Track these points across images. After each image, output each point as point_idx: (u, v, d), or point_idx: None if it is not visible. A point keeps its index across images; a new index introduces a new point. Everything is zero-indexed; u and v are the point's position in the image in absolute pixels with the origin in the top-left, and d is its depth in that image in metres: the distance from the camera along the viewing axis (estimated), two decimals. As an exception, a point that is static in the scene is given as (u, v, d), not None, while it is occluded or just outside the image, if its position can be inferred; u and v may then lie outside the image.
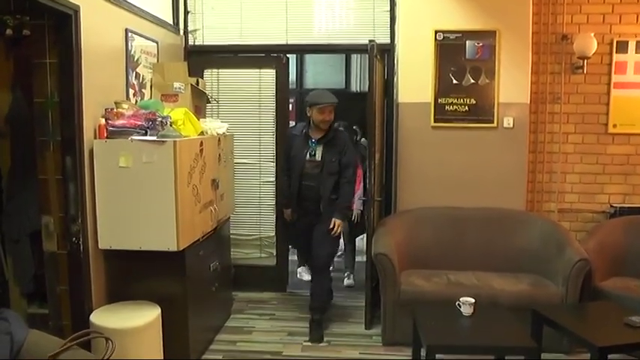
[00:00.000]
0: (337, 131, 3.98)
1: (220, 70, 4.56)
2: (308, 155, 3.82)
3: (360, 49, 4.41)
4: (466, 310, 3.00)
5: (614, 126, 4.31)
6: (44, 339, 2.04)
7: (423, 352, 2.82)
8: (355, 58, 9.14)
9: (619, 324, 2.85)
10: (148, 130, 2.99)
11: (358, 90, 9.82)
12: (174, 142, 2.91)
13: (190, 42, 4.47)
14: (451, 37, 4.17)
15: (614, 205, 4.29)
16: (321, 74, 9.24)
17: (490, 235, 3.95)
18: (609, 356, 2.70)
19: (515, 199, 4.18)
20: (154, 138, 2.94)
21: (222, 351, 3.60)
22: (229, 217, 4.13)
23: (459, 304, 3.03)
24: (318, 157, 3.81)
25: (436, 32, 4.16)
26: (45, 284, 3.72)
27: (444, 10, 4.15)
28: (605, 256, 3.67)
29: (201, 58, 4.48)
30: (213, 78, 4.54)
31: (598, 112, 4.31)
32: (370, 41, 3.86)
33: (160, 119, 3.06)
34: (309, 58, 8.65)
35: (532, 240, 3.86)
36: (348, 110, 7.17)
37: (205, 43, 4.49)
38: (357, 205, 4.61)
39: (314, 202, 3.82)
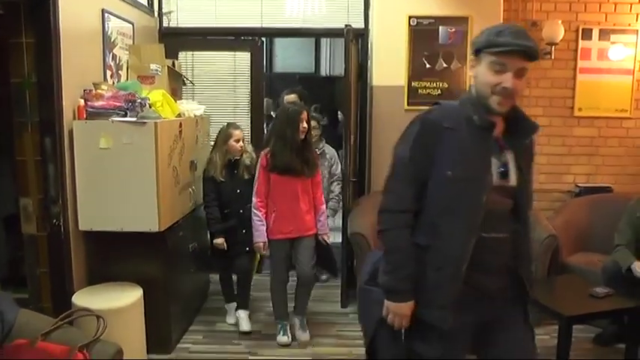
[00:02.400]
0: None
1: (195, 53, 4.54)
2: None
3: (335, 33, 4.44)
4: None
5: (580, 109, 4.50)
6: (35, 318, 2.05)
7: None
8: (325, 42, 9.16)
9: (584, 295, 3.04)
10: (128, 112, 2.98)
11: (328, 74, 9.87)
12: (155, 123, 2.92)
13: (165, 24, 4.43)
14: (424, 23, 4.25)
15: (579, 184, 4.50)
16: (290, 58, 9.25)
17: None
18: (574, 327, 2.88)
19: None
20: (134, 119, 2.94)
21: (202, 331, 3.65)
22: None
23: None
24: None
25: (410, 18, 4.23)
26: (20, 269, 3.71)
27: (417, -4, 4.23)
28: (571, 233, 3.86)
29: (175, 40, 4.43)
30: (188, 60, 4.52)
31: (565, 96, 4.49)
32: (346, 26, 3.91)
33: (139, 101, 3.05)
34: (278, 42, 8.64)
35: (502, 219, 4.02)
36: (318, 94, 7.24)
37: (180, 26, 4.45)
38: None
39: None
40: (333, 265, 3.74)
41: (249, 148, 3.73)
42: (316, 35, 6.02)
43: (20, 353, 1.84)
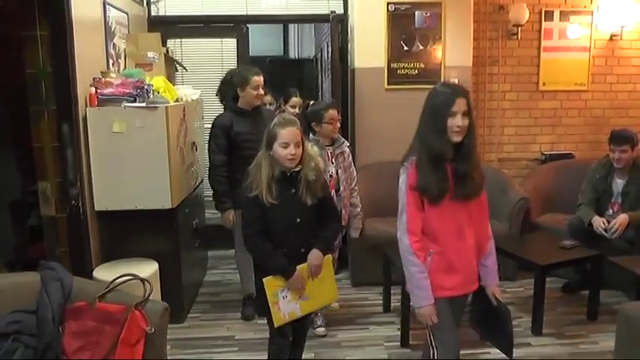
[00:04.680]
0: None
1: (183, 40, 4.72)
2: None
3: (320, 19, 4.68)
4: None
5: (544, 84, 4.92)
6: (88, 284, 2.27)
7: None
8: (292, 25, 9.34)
9: (554, 248, 3.46)
10: (137, 98, 3.17)
11: (296, 57, 10.08)
12: (166, 107, 3.14)
13: (153, 12, 4.58)
14: (401, 8, 4.52)
15: (545, 152, 4.94)
16: (259, 42, 9.39)
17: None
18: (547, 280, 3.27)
19: None
20: (144, 105, 3.14)
21: (208, 302, 3.91)
22: (202, 179, 4.36)
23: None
24: None
25: (388, 4, 4.49)
26: (25, 253, 3.87)
27: (395, -16, 4.49)
28: (539, 196, 4.28)
29: (163, 28, 4.58)
30: (177, 48, 4.70)
31: (530, 73, 4.90)
32: (332, 12, 4.17)
33: (146, 87, 3.25)
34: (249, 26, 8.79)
35: (478, 186, 4.40)
36: (287, 76, 7.44)
37: (168, 14, 4.61)
38: None
39: None
40: (506, 339, 2.31)
41: (314, 150, 2.46)
42: (301, 21, 6.22)
43: (82, 313, 2.07)
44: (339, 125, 3.37)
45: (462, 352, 3.11)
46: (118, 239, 3.31)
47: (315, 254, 2.40)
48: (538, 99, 4.94)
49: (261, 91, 3.38)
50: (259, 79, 3.34)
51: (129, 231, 3.30)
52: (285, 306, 2.38)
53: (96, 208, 3.20)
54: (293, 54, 10.48)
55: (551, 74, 4.89)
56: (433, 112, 2.04)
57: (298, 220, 2.36)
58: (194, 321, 3.58)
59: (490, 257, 2.22)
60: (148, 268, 3.15)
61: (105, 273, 3.03)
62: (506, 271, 3.91)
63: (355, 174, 3.56)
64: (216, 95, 3.59)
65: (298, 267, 2.37)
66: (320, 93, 7.20)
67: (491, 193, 4.14)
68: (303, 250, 2.40)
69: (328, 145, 3.31)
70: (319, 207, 2.41)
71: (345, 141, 3.46)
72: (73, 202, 3.05)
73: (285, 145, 2.29)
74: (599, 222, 3.60)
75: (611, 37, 4.89)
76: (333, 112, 3.25)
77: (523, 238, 3.93)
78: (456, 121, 1.98)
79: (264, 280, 2.35)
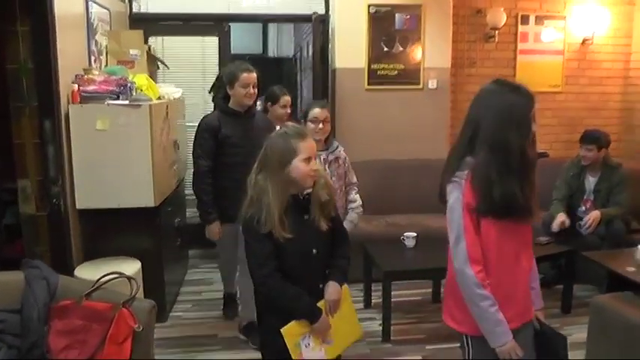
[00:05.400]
0: None
1: (165, 38, 4.69)
2: None
3: (302, 19, 4.71)
4: (410, 243, 3.54)
5: (520, 86, 5.04)
6: (73, 282, 2.26)
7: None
8: (272, 24, 9.36)
9: (531, 244, 3.55)
10: (120, 95, 3.16)
11: (275, 55, 10.10)
12: (150, 105, 3.13)
13: (135, 9, 4.54)
14: (382, 10, 4.61)
15: (520, 152, 5.06)
16: (239, 40, 9.38)
17: (419, 182, 4.43)
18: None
19: (440, 150, 4.66)
20: (128, 102, 3.12)
21: (190, 301, 3.91)
22: (184, 178, 4.35)
23: (403, 239, 3.57)
24: None
25: (369, 5, 4.58)
26: (1, 253, 3.79)
27: (375, -13, 4.56)
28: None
29: (144, 25, 4.53)
30: (158, 45, 4.66)
31: (507, 75, 5.01)
32: (314, 13, 4.20)
33: (129, 85, 3.24)
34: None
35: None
36: (266, 75, 7.47)
37: (149, 11, 4.59)
38: None
39: None
40: None
41: (319, 166, 2.14)
42: (283, 21, 6.24)
43: (69, 311, 2.06)
44: (328, 128, 3.08)
45: (434, 346, 3.22)
46: (99, 238, 3.28)
47: (333, 288, 2.03)
48: (514, 100, 5.06)
49: (252, 90, 3.03)
50: (249, 75, 3.01)
51: (111, 229, 3.28)
52: (309, 355, 1.98)
53: (77, 207, 3.16)
54: (272, 53, 10.51)
55: (527, 76, 5.01)
56: (515, 115, 1.69)
57: (315, 250, 1.99)
58: (176, 320, 3.58)
59: (536, 278, 1.95)
60: (131, 267, 3.13)
61: (87, 272, 3.02)
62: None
63: (355, 179, 3.28)
64: (210, 93, 3.43)
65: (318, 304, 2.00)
66: (299, 92, 7.24)
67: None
68: (321, 286, 2.03)
69: (321, 151, 3.01)
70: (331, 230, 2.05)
71: (340, 146, 3.21)
72: (54, 200, 3.02)
73: (308, 160, 1.93)
74: (556, 223, 3.75)
75: (584, 42, 5.07)
76: (318, 110, 3.03)
77: (500, 236, 4.01)
78: (535, 127, 1.72)
79: (282, 331, 1.92)
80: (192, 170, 3.16)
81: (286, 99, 3.61)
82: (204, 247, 4.77)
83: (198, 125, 3.11)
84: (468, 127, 1.76)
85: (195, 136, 3.10)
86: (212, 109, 4.69)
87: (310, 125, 2.99)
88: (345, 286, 2.10)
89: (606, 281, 3.28)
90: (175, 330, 3.43)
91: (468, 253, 1.72)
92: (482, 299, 1.72)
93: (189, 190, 4.75)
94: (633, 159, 4.91)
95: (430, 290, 3.84)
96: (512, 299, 1.78)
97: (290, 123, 2.11)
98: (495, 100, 1.73)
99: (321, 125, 3.00)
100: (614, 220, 3.75)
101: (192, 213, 4.88)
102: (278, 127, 2.34)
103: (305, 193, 1.98)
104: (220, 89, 3.17)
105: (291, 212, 1.92)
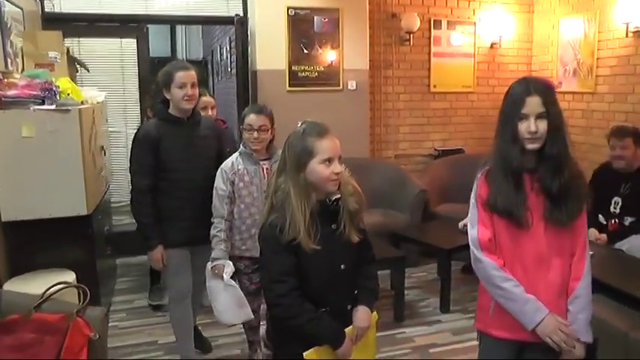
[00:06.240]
0: None
1: (81, 39, 4.50)
2: None
3: (223, 21, 4.71)
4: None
5: (434, 86, 5.41)
6: (19, 296, 2.14)
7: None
8: (180, 27, 9.22)
9: (456, 233, 3.81)
10: (45, 100, 3.01)
11: (184, 58, 9.97)
12: (79, 110, 3.01)
13: (47, 9, 4.31)
14: (301, 13, 4.72)
15: (437, 148, 5.43)
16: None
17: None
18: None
19: (361, 149, 4.95)
20: (55, 107, 2.99)
21: (123, 310, 3.81)
22: (109, 185, 4.21)
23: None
24: None
25: (288, 8, 4.67)
26: None
27: (294, -11, 4.66)
28: (435, 188, 4.70)
29: (59, 25, 4.32)
30: (74, 47, 4.47)
31: (422, 76, 5.35)
32: (236, 15, 4.23)
33: (54, 88, 3.10)
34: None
35: (379, 181, 4.66)
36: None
37: (63, 11, 4.37)
38: None
39: None
40: None
41: (342, 169, 1.81)
42: (203, 23, 6.15)
43: (17, 326, 1.96)
44: (267, 136, 2.60)
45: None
46: (28, 250, 3.08)
47: (363, 314, 1.83)
48: (430, 100, 5.42)
49: (190, 91, 2.62)
50: (185, 74, 2.62)
51: (40, 241, 3.09)
52: None
53: (3, 219, 2.98)
54: (181, 55, 10.35)
55: (441, 77, 5.39)
56: (503, 115, 1.70)
57: (343, 266, 1.77)
58: (113, 330, 3.47)
59: (576, 301, 1.69)
60: (66, 278, 2.96)
61: (19, 287, 2.83)
62: (409, 258, 4.25)
63: None
64: (152, 97, 3.28)
65: (345, 330, 1.79)
66: (213, 95, 7.20)
67: (392, 187, 4.59)
68: (349, 307, 1.83)
69: (264, 160, 2.65)
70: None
71: None
72: (-24, 213, 2.84)
73: (329, 162, 1.73)
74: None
75: (492, 45, 5.51)
76: (253, 117, 2.58)
77: (425, 227, 4.31)
78: (527, 126, 1.62)
79: (305, 355, 1.71)
80: (130, 188, 2.76)
81: (205, 100, 3.31)
82: (132, 255, 4.66)
83: (135, 136, 2.76)
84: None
85: (132, 150, 2.74)
86: (138, 114, 4.66)
87: (245, 134, 2.61)
88: (374, 312, 1.90)
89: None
90: (114, 340, 3.32)
91: (479, 242, 1.71)
92: (503, 280, 1.67)
93: (116, 197, 4.63)
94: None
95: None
96: None
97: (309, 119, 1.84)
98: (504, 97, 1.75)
99: (255, 134, 2.56)
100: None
101: (117, 221, 4.75)
102: None
103: (334, 198, 1.77)
104: (158, 93, 2.78)
105: (318, 220, 1.71)
